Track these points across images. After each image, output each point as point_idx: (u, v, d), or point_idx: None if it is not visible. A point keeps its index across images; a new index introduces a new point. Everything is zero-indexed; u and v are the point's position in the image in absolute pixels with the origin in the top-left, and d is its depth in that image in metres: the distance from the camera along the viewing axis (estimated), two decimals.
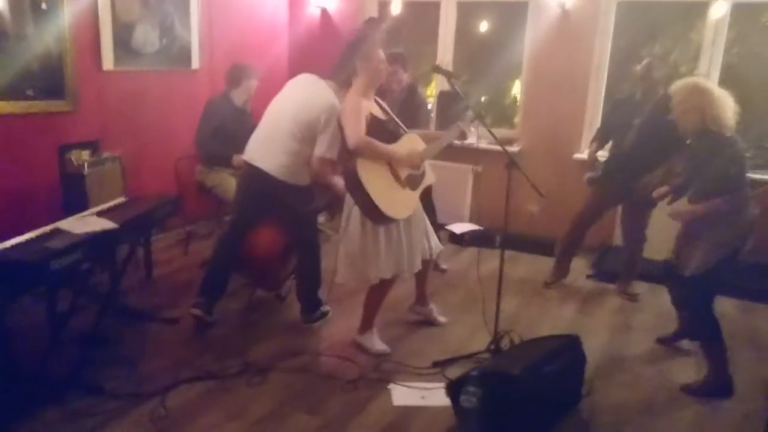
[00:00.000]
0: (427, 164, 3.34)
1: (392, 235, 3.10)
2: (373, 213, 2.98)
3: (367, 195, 2.91)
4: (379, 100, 3.28)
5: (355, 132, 2.93)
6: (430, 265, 3.57)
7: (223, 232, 3.60)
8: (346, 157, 3.08)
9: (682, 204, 3.16)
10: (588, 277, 4.66)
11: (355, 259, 3.13)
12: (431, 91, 6.20)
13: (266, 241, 3.61)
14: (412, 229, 3.19)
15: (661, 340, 3.62)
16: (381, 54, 3.11)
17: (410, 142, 3.19)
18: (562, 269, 4.52)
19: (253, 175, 3.38)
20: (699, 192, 3.03)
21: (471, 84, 7.57)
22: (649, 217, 4.18)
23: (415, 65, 8.35)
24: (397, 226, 3.11)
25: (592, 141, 4.38)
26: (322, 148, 3.22)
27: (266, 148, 3.34)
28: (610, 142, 4.27)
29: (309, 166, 3.32)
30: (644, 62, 4.05)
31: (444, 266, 4.71)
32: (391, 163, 3.07)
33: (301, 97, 3.31)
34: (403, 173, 3.12)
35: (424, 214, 3.38)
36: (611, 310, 4.14)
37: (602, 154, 4.34)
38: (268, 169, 3.30)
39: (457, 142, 3.44)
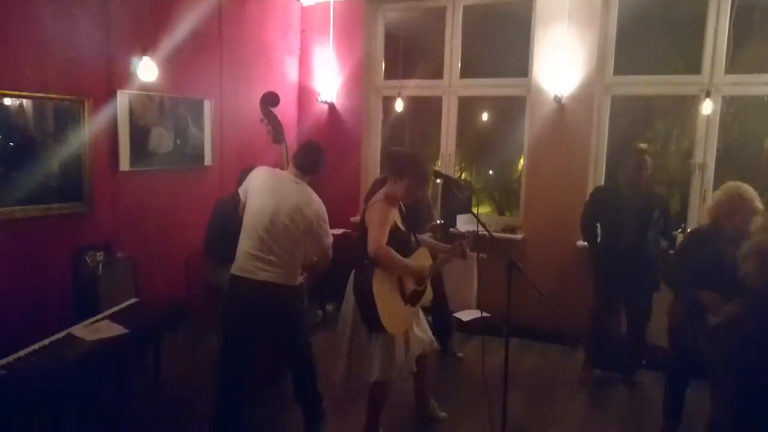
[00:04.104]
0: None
1: (387, 339, 3.15)
2: (372, 323, 3.07)
3: (374, 306, 3.01)
4: (401, 205, 3.36)
5: (377, 240, 3.01)
6: (428, 362, 3.59)
7: (219, 377, 3.32)
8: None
9: None
10: (596, 367, 4.62)
11: (350, 358, 3.22)
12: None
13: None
14: (409, 332, 3.26)
15: None
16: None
17: (421, 257, 3.34)
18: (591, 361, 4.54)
19: (253, 289, 3.20)
20: None
21: (474, 165, 7.78)
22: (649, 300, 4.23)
23: (420, 148, 8.65)
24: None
25: (587, 239, 4.52)
26: (329, 238, 3.34)
27: (268, 259, 3.19)
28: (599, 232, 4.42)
29: (318, 259, 3.37)
30: (636, 157, 4.17)
31: (460, 354, 4.83)
32: (401, 278, 3.19)
33: (293, 202, 3.21)
34: (409, 288, 3.24)
35: (421, 312, 3.45)
36: (621, 402, 4.11)
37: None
38: (275, 280, 3.19)
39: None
